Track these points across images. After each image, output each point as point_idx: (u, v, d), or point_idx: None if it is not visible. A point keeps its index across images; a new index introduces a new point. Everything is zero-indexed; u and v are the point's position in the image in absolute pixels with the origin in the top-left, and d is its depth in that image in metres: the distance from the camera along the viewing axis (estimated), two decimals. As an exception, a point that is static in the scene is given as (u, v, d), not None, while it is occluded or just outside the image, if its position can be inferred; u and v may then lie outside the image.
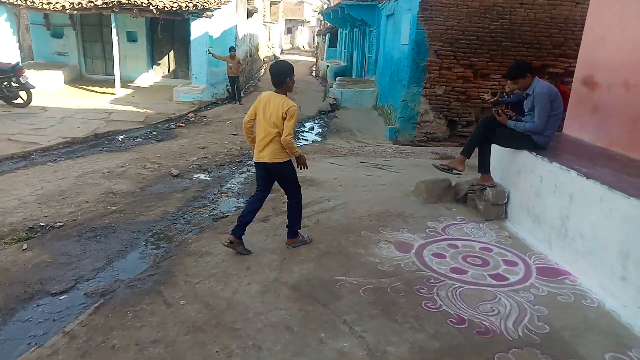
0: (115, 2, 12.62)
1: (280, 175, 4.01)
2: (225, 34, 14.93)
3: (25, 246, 4.17)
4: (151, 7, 12.65)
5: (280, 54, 40.47)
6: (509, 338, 2.81)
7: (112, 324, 2.94)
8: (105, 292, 3.58)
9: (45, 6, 12.70)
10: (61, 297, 3.50)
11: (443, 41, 8.57)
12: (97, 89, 13.95)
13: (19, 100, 10.56)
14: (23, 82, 10.49)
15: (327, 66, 20.66)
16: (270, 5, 36.34)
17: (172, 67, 16.18)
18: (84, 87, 14.21)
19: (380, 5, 13.66)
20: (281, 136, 3.77)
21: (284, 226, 4.60)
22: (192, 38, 13.60)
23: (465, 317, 3.02)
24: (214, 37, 14.24)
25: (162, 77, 16.05)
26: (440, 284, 3.48)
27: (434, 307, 3.16)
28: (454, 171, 4.75)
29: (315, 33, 45.17)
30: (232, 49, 13.71)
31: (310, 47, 54.48)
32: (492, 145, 4.74)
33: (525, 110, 4.57)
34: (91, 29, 15.64)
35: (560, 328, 2.93)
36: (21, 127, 8.74)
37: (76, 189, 5.72)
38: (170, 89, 13.62)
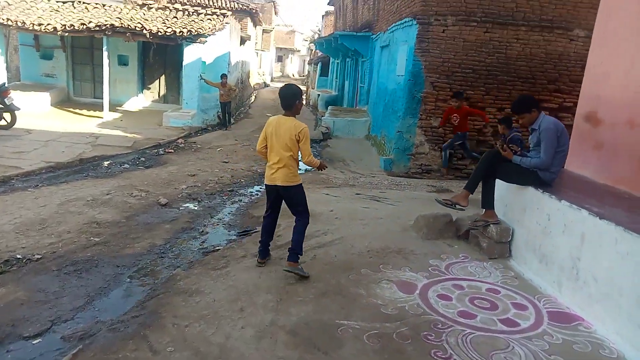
0: (108, 26, 12.52)
1: (291, 199, 4.05)
2: (218, 60, 14.88)
3: (-3, 281, 3.85)
4: (145, 31, 12.57)
5: (271, 81, 40.76)
6: (529, 395, 2.58)
7: (91, 375, 2.64)
8: (84, 336, 3.26)
9: (36, 27, 12.54)
10: (35, 342, 3.18)
11: (439, 73, 8.57)
12: (84, 112, 13.69)
13: (2, 122, 10.25)
14: (8, 103, 10.21)
15: (318, 95, 20.71)
16: (262, 34, 36.74)
17: (162, 92, 16.02)
18: (72, 109, 13.94)
19: (374, 36, 13.78)
20: (294, 158, 3.90)
21: (278, 263, 4.38)
22: (184, 63, 13.50)
23: (480, 370, 2.79)
24: (207, 63, 14.17)
25: (152, 101, 15.86)
26: (449, 329, 3.25)
27: (444, 357, 2.92)
28: (457, 206, 4.59)
29: (307, 62, 45.72)
30: (223, 76, 13.71)
31: (300, 76, 55.03)
32: (496, 180, 4.59)
33: (531, 146, 4.45)
34: (82, 52, 15.49)
35: (583, 383, 2.71)
36: (3, 150, 8.42)
37: (58, 218, 5.41)
38: (159, 114, 13.41)
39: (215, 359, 2.87)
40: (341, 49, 17.19)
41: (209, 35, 13.40)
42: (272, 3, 40.93)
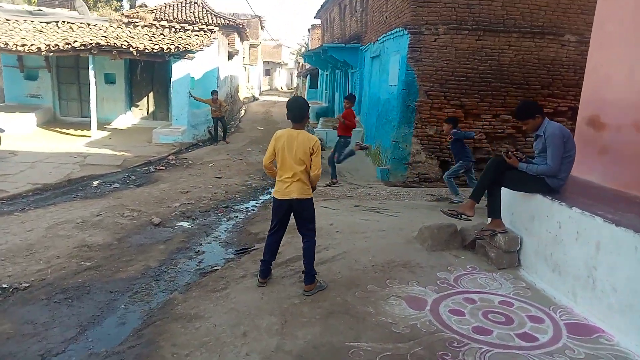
0: (93, 45, 12.35)
1: (304, 212, 3.94)
2: (207, 76, 14.76)
3: (-17, 314, 3.61)
4: (131, 49, 12.41)
5: (259, 95, 40.69)
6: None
7: (86, 417, 2.42)
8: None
9: (19, 48, 12.32)
10: (22, 379, 2.95)
11: (433, 82, 8.50)
12: (71, 131, 13.42)
13: (-14, 145, 9.97)
14: (-8, 125, 9.94)
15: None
16: (250, 48, 36.78)
17: (151, 109, 15.81)
18: (58, 129, 13.66)
19: (363, 47, 13.77)
20: (307, 172, 3.82)
21: (279, 282, 4.20)
22: (173, 79, 13.35)
23: (505, 392, 2.62)
24: (196, 79, 14.04)
25: (141, 118, 15.63)
26: (466, 347, 3.08)
27: (464, 378, 2.75)
28: (463, 217, 4.45)
29: (295, 74, 45.83)
30: (214, 92, 13.56)
31: (288, 89, 55.15)
32: (502, 188, 4.46)
33: (536, 152, 4.34)
34: (67, 71, 15.26)
35: (614, 402, 2.54)
36: (-13, 173, 8.15)
37: (46, 242, 5.17)
38: (149, 131, 13.19)
39: (220, 391, 2.66)
40: (330, 61, 17.17)
41: (197, 51, 13.28)
42: (258, 18, 41.10)
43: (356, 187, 8.26)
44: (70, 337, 3.44)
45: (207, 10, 24.48)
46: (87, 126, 13.25)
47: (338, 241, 5.14)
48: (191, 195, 7.49)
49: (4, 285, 4.11)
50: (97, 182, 8.29)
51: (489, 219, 4.58)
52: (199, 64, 14.11)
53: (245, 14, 39.29)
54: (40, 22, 13.89)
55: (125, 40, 12.75)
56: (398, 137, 8.66)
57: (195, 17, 23.15)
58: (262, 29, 41.90)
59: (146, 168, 9.74)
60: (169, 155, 11.13)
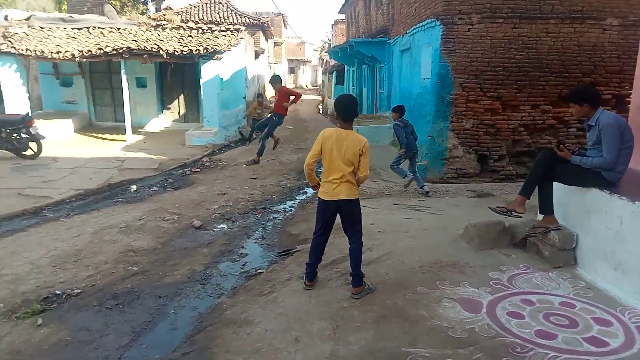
0: (125, 49, 12.55)
1: (352, 213, 3.87)
2: (235, 76, 14.82)
3: (40, 321, 3.68)
4: (161, 52, 12.56)
5: (263, 99, 40.67)
6: None
7: None
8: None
9: (54, 55, 12.63)
10: (84, 387, 2.98)
11: (468, 73, 8.28)
12: (107, 136, 13.72)
13: (28, 152, 10.28)
14: (33, 133, 10.23)
15: (336, 104, 20.53)
16: (274, 47, 36.87)
17: (182, 111, 16.01)
18: (94, 135, 13.99)
19: (391, 41, 13.55)
20: (355, 173, 3.75)
21: (326, 285, 4.14)
22: (202, 81, 13.45)
23: (579, 402, 2.48)
24: (224, 79, 14.11)
25: (173, 121, 15.86)
26: (531, 353, 2.94)
27: (532, 386, 2.62)
28: (514, 214, 4.28)
29: (319, 72, 45.68)
30: (260, 95, 15.02)
31: (313, 86, 55.09)
32: (554, 183, 4.27)
33: (589, 144, 4.13)
34: (100, 76, 15.60)
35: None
36: (31, 180, 8.38)
37: (93, 248, 5.26)
38: (181, 134, 13.35)
39: (280, 400, 2.62)
40: (357, 56, 17.00)
41: (225, 51, 13.35)
42: (281, 16, 41.13)
43: (392, 184, 8.12)
44: (124, 343, 3.46)
45: (231, 10, 24.61)
46: (122, 130, 13.51)
47: (381, 241, 5.05)
48: (228, 197, 7.52)
49: (57, 292, 4.19)
50: (135, 186, 8.43)
51: (541, 216, 4.41)
52: (227, 65, 14.18)
53: (268, 12, 39.39)
54: (73, 29, 14.21)
55: (155, 44, 12.92)
56: (433, 132, 8.47)
57: (220, 18, 23.32)
58: (285, 26, 41.94)
59: (182, 171, 9.84)
60: (202, 157, 11.23)
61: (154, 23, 15.13)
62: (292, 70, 54.30)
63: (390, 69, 13.72)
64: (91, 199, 7.62)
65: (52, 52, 12.59)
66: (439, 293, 3.81)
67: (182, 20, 19.65)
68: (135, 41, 13.08)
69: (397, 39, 12.60)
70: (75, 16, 15.64)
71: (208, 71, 13.34)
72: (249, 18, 24.37)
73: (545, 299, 3.64)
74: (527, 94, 8.38)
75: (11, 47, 12.66)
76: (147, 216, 6.41)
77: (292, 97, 9.15)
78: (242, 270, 4.78)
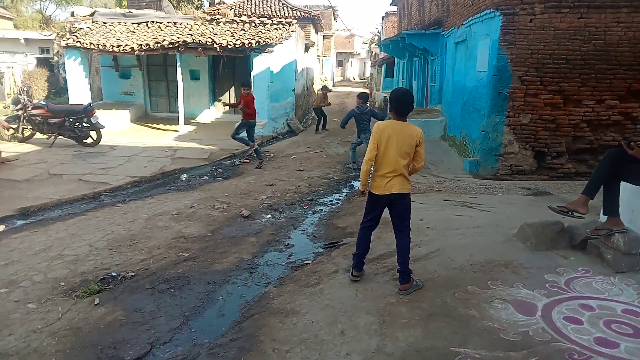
0: (180, 42, 12.92)
1: (403, 206, 3.84)
2: (285, 69, 14.93)
3: (97, 301, 3.86)
4: (215, 45, 12.84)
5: (333, 86, 40.68)
6: None
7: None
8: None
9: (115, 49, 13.20)
10: (137, 366, 3.09)
11: (528, 66, 7.88)
12: (161, 126, 14.22)
13: (89, 140, 10.82)
14: (93, 122, 10.75)
15: (385, 97, 20.24)
16: (323, 40, 36.85)
17: (233, 103, 16.31)
18: (149, 124, 14.54)
19: (445, 33, 13.17)
20: (408, 166, 3.71)
21: (373, 279, 4.08)
22: (253, 74, 13.63)
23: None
24: (275, 72, 14.24)
25: (223, 112, 16.22)
26: (590, 362, 2.77)
27: (592, 397, 2.46)
28: (575, 214, 4.03)
29: (369, 64, 45.22)
30: (324, 87, 16.36)
31: (361, 79, 54.66)
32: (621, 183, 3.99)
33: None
34: (156, 69, 16.17)
35: None
36: (91, 166, 8.81)
37: (146, 233, 5.46)
38: (231, 125, 13.57)
39: (324, 392, 2.60)
40: (408, 49, 16.66)
41: (276, 44, 13.45)
42: (332, 9, 40.99)
43: (443, 180, 7.91)
44: (175, 326, 3.57)
45: (283, 3, 24.79)
46: (175, 121, 13.97)
47: (430, 238, 4.92)
48: (276, 188, 7.59)
49: (113, 274, 4.38)
50: (187, 175, 8.68)
51: (604, 217, 4.14)
52: (278, 58, 14.30)
53: (319, 5, 39.40)
54: (132, 24, 14.79)
55: (209, 37, 13.22)
56: (488, 126, 8.15)
57: (272, 11, 23.55)
58: (335, 19, 41.80)
59: (231, 161, 10.05)
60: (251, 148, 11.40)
61: (208, 17, 15.48)
62: (340, 63, 54.10)
63: (443, 61, 13.35)
64: (145, 186, 7.93)
65: (113, 46, 13.16)
66: (491, 293, 3.66)
67: (235, 14, 19.98)
68: (191, 35, 13.43)
69: (451, 30, 12.22)
70: (135, 11, 16.27)
71: (259, 64, 13.51)
72: (300, 11, 24.46)
73: (607, 305, 3.42)
74: (592, 88, 7.87)
75: (76, 42, 13.34)
76: (198, 204, 6.58)
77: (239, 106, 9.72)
78: (288, 261, 4.81)
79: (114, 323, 3.57)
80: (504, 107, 7.99)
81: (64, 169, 8.51)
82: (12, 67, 20.48)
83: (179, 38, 13.15)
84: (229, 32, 13.98)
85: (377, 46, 34.01)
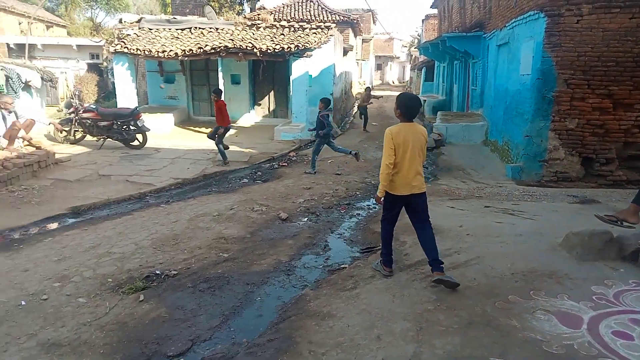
0: (222, 47, 13.25)
1: (423, 203, 4.02)
2: (323, 73, 15.03)
3: (142, 297, 4.01)
4: (255, 50, 13.08)
5: (371, 90, 40.54)
6: None
7: (236, 406, 2.53)
8: (223, 358, 3.23)
9: (160, 54, 13.69)
10: (178, 362, 3.19)
11: (574, 69, 7.61)
12: (203, 129, 14.59)
13: (135, 142, 11.25)
14: (140, 125, 11.18)
15: (424, 101, 20.01)
16: (362, 43, 36.81)
17: (272, 107, 16.59)
18: (192, 128, 14.96)
19: (487, 35, 12.90)
20: (423, 163, 3.98)
21: (410, 286, 4.05)
22: (292, 78, 13.81)
23: None
24: (313, 76, 14.37)
25: (263, 116, 16.50)
26: (640, 380, 2.65)
27: (642, 416, 2.35)
28: (625, 224, 3.88)
29: (406, 68, 44.80)
30: (368, 88, 17.34)
31: (400, 82, 54.21)
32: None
33: None
34: (199, 74, 16.64)
35: None
36: (137, 168, 9.16)
37: (189, 233, 5.63)
38: (270, 129, 13.84)
39: (360, 396, 2.61)
40: (449, 52, 16.42)
41: (315, 48, 13.58)
42: (371, 12, 40.90)
43: (484, 186, 7.74)
44: (215, 325, 3.66)
45: (322, 8, 24.97)
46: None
47: (469, 245, 4.83)
48: (313, 192, 7.65)
49: (157, 272, 4.54)
50: (228, 177, 8.89)
51: (658, 227, 3.95)
52: (316, 62, 14.42)
53: (358, 8, 39.38)
54: (176, 30, 15.30)
55: (249, 42, 13.50)
56: (532, 131, 7.91)
57: (311, 15, 23.77)
58: (374, 23, 41.69)
59: (270, 164, 10.20)
60: (290, 152, 11.56)
61: (249, 23, 15.81)
62: (379, 67, 53.85)
63: (484, 64, 13.07)
64: (188, 187, 8.17)
65: (158, 52, 13.66)
66: (533, 304, 3.56)
67: (274, 19, 20.31)
68: (232, 40, 13.76)
69: (493, 33, 11.97)
70: (179, 18, 16.82)
71: (298, 68, 13.66)
72: (339, 15, 24.57)
73: (660, 321, 3.26)
74: (646, 92, 7.52)
75: (124, 48, 13.93)
76: (238, 206, 6.73)
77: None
78: (325, 264, 4.84)
79: (158, 319, 3.70)
80: (548, 111, 7.73)
81: (112, 170, 8.89)
82: (65, 73, 21.59)
83: (220, 43, 13.49)
84: (268, 37, 14.23)
85: (416, 49, 33.64)
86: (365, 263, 4.70)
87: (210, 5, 23.44)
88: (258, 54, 13.20)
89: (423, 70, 26.06)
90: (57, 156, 9.12)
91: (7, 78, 10.13)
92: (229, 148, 10.31)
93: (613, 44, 7.48)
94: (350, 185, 8.11)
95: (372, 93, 19.85)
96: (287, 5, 25.33)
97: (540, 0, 7.98)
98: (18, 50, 21.54)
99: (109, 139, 11.09)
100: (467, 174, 8.60)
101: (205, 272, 4.55)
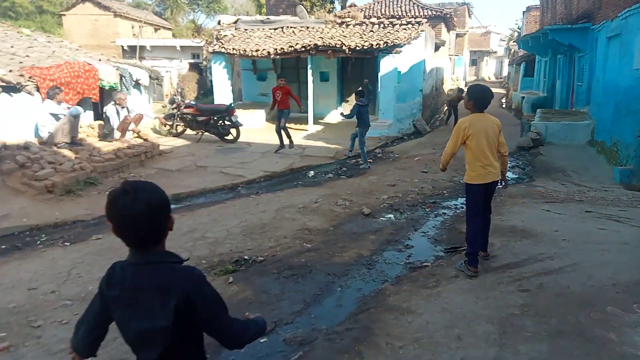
0: (312, 45, 13.55)
1: (493, 192, 4.25)
2: (413, 69, 14.73)
3: (231, 279, 4.29)
4: (344, 47, 13.21)
5: (465, 87, 38.99)
6: None
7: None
8: (303, 342, 3.37)
9: (254, 53, 14.33)
10: (262, 341, 3.38)
11: (700, 61, 6.74)
12: (292, 125, 15.02)
13: (229, 137, 11.92)
14: (234, 120, 11.83)
15: (523, 97, 18.79)
16: (456, 38, 35.50)
17: (359, 104, 16.63)
18: (282, 124, 15.46)
19: (596, 27, 11.81)
20: (500, 152, 4.12)
21: (496, 289, 3.91)
22: (380, 74, 13.73)
23: None
24: (402, 73, 14.16)
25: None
26: None
27: None
28: None
29: (507, 63, 42.36)
30: (460, 90, 16.22)
31: (496, 78, 51.43)
32: None
33: None
34: (289, 71, 17.14)
35: None
36: (231, 160, 9.72)
37: (275, 223, 5.88)
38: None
39: (437, 393, 2.58)
40: (551, 45, 15.27)
41: (405, 45, 13.37)
42: (466, 5, 39.24)
43: (586, 189, 7.13)
44: (296, 310, 3.82)
45: (414, 3, 24.46)
46: (305, 121, 14.68)
47: (565, 251, 4.53)
48: (398, 189, 7.59)
49: (245, 257, 4.82)
50: (313, 172, 9.12)
51: None
52: (406, 58, 14.18)
53: (452, 2, 38.01)
54: (270, 29, 15.91)
55: (339, 40, 13.64)
56: (645, 131, 7.15)
57: (402, 11, 23.39)
58: (469, 16, 39.96)
59: (355, 160, 10.27)
60: (376, 148, 11.54)
61: (339, 20, 15.98)
62: (474, 62, 51.52)
63: (592, 58, 11.99)
64: (276, 180, 8.51)
65: (252, 51, 14.31)
66: (636, 317, 3.27)
67: (365, 16, 20.31)
68: (322, 38, 14.01)
69: (603, 24, 10.93)
70: (272, 18, 17.47)
71: (386, 65, 13.56)
72: (431, 10, 23.92)
73: None
74: None
75: (221, 48, 14.79)
76: (322, 200, 6.88)
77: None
78: (407, 261, 4.80)
79: (245, 300, 3.94)
80: (666, 109, 6.93)
81: (208, 162, 9.53)
82: (170, 71, 23.44)
83: (310, 41, 13.80)
84: (357, 34, 14.28)
85: (515, 43, 31.73)
86: (448, 262, 4.59)
87: (302, 5, 24.02)
88: (347, 51, 13.30)
89: (522, 66, 24.49)
90: (161, 148, 9.96)
91: (121, 77, 11.25)
92: (293, 144, 10.79)
93: None
94: (437, 184, 7.92)
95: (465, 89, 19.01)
96: (378, 2, 25.17)
97: (661, -15, 7.16)
98: (130, 51, 23.82)
99: (206, 133, 11.88)
100: (567, 175, 7.98)
101: (289, 260, 4.74)
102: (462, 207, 6.77)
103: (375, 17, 19.45)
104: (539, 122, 11.29)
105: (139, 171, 8.47)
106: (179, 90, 19.68)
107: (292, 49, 13.85)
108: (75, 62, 9.98)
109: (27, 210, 6.11)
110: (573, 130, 10.69)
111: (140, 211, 1.46)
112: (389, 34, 13.96)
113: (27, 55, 9.57)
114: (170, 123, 12.28)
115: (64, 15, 27.10)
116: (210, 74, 18.90)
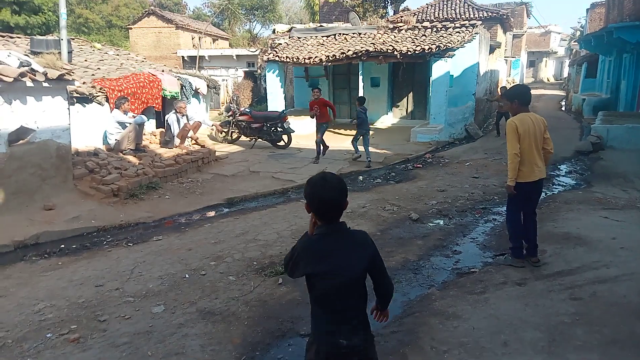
0: (363, 52, 13.66)
1: (540, 190, 4.34)
2: (465, 72, 14.48)
3: (280, 280, 4.47)
4: (395, 52, 13.22)
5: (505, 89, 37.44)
6: None
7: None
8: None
9: (306, 61, 14.65)
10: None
11: None
12: (342, 131, 15.19)
13: (281, 143, 12.25)
14: (286, 127, 12.14)
15: (584, 99, 17.89)
16: (513, 39, 34.35)
17: (410, 109, 16.55)
18: (332, 130, 15.62)
19: (666, 22, 11.12)
20: (545, 149, 4.20)
21: (546, 297, 3.85)
22: (432, 79, 13.60)
23: None
24: (455, 76, 13.94)
25: (400, 118, 16.54)
26: None
27: None
28: None
29: (567, 63, 40.40)
30: (503, 88, 15.51)
31: (556, 80, 49.11)
32: None
33: None
34: (340, 78, 17.35)
35: None
36: (282, 166, 10.00)
37: (323, 227, 6.01)
38: (407, 130, 13.82)
39: (480, 397, 2.61)
40: (616, 44, 14.50)
41: (457, 48, 13.18)
42: (524, 5, 37.88)
43: (649, 196, 6.77)
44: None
45: (468, 5, 23.96)
46: (355, 127, 14.75)
47: (623, 259, 4.36)
48: (447, 194, 7.52)
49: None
50: (362, 177, 9.20)
51: None
52: (459, 61, 13.96)
53: (510, 2, 36.84)
54: (322, 37, 16.19)
55: (390, 45, 13.67)
56: None
57: (456, 14, 22.98)
58: (528, 16, 38.55)
59: (404, 165, 10.24)
60: (426, 153, 11.44)
61: (391, 26, 16.00)
62: (532, 64, 49.50)
63: (660, 57, 11.29)
64: (326, 185, 8.64)
65: (304, 58, 14.64)
66: (699, 331, 3.11)
67: (417, 20, 20.18)
68: (373, 44, 14.09)
69: (674, 19, 10.28)
70: (325, 25, 17.76)
71: (438, 69, 13.41)
72: (486, 11, 23.33)
73: None
74: None
75: (275, 56, 15.23)
76: (370, 205, 6.96)
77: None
78: (454, 267, 4.79)
79: (293, 301, 4.10)
80: None
81: (261, 167, 9.85)
82: (226, 80, 24.34)
83: (361, 47, 13.92)
84: (409, 39, 14.24)
85: (577, 43, 30.26)
86: (497, 269, 4.53)
87: (355, 11, 24.17)
88: (398, 56, 13.30)
89: (584, 66, 23.32)
90: (217, 154, 10.41)
91: (182, 87, 11.88)
92: (329, 147, 10.92)
93: None
94: (488, 190, 7.77)
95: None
96: (431, 5, 24.86)
97: None
98: (190, 61, 24.97)
99: (259, 139, 12.27)
100: (629, 181, 7.56)
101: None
102: (515, 214, 6.62)
103: (428, 20, 19.30)
104: (600, 125, 10.73)
105: (196, 176, 8.91)
106: (235, 98, 20.40)
107: (344, 55, 14.04)
108: (140, 74, 10.68)
109: (95, 213, 6.63)
110: (638, 133, 10.07)
111: (333, 194, 1.99)
112: (441, 37, 13.82)
113: (99, 68, 10.36)
114: (226, 130, 12.78)
115: (131, 28, 28.84)
116: (265, 81, 19.46)
